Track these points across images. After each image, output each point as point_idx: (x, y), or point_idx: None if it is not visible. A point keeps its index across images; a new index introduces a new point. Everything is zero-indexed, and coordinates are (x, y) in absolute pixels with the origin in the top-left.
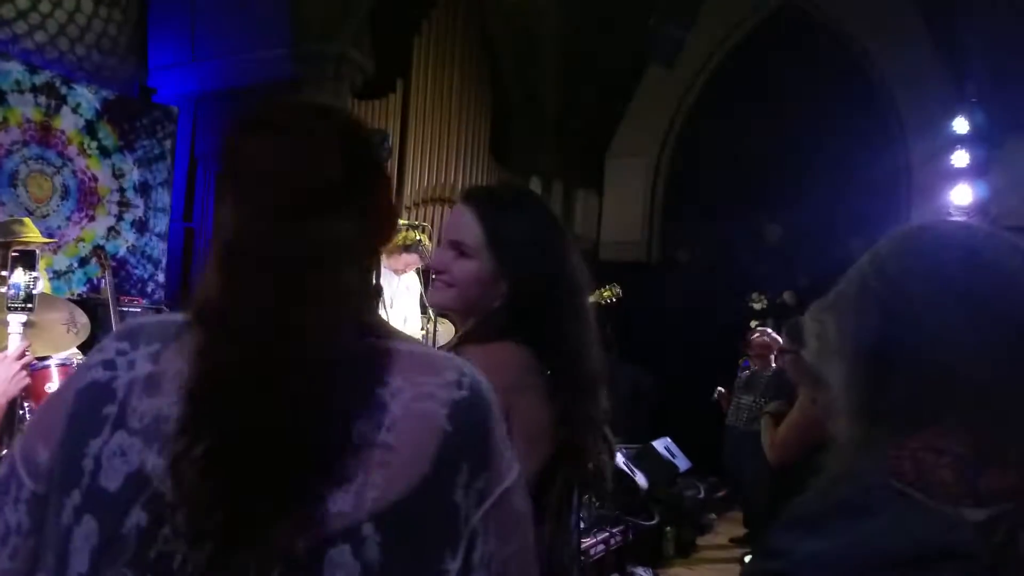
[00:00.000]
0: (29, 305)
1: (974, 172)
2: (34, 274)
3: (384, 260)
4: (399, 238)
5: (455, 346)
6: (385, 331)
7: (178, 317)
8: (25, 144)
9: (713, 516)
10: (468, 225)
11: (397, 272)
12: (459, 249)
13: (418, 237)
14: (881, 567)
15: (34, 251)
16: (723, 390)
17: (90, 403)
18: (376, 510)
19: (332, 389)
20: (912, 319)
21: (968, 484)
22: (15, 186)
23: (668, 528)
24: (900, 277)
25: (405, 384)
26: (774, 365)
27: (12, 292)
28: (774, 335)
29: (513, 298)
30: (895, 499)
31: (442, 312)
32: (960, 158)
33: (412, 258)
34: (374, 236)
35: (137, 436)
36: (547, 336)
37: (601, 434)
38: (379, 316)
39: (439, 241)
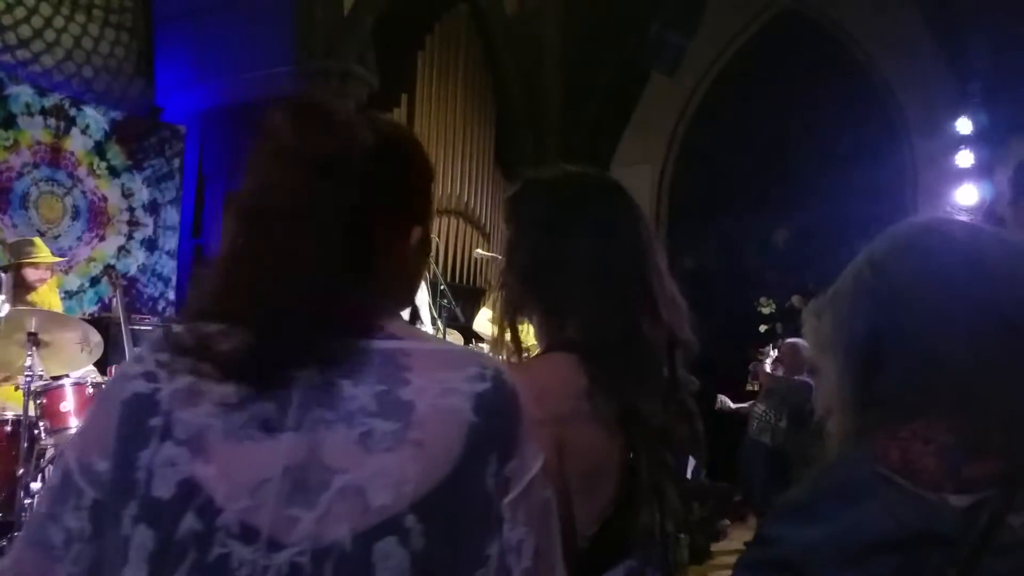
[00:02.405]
0: None
1: (979, 172)
2: (1, 296)
3: None
4: None
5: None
6: (403, 332)
7: (211, 327)
8: (35, 166)
9: (727, 522)
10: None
11: None
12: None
13: None
14: (868, 551)
15: None
16: (726, 399)
17: (136, 415)
18: (415, 501)
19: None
20: (903, 313)
21: (952, 471)
22: (26, 208)
23: (682, 535)
24: (893, 272)
25: (428, 382)
26: (805, 377)
27: None
28: (801, 344)
29: (519, 269)
30: (881, 486)
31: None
32: (964, 158)
33: None
34: (406, 246)
35: (184, 446)
36: (579, 327)
37: (672, 442)
38: (399, 317)
39: (449, 253)
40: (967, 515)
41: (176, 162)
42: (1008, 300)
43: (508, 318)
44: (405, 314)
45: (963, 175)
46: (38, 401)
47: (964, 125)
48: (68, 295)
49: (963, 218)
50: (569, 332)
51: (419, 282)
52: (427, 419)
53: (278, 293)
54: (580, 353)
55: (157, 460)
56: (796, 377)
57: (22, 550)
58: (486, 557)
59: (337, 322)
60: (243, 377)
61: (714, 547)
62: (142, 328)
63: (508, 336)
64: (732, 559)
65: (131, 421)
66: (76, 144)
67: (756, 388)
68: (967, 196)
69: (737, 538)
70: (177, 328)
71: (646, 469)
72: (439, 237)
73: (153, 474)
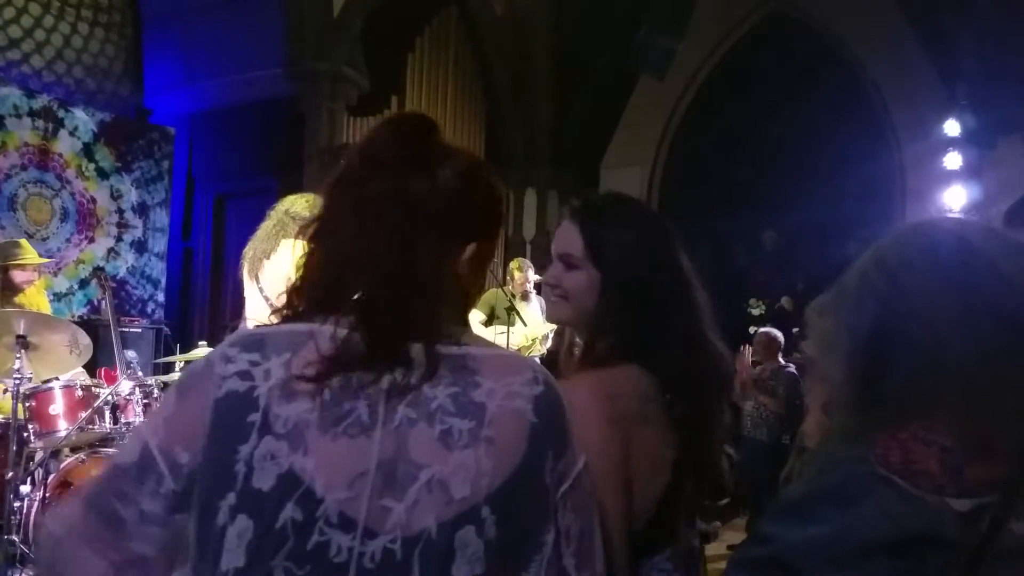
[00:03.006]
0: None
1: (967, 174)
2: None
3: None
4: None
5: (576, 371)
6: (466, 338)
7: (302, 327)
8: (23, 168)
9: (718, 524)
10: (572, 237)
11: None
12: (567, 262)
13: None
14: (864, 554)
15: None
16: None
17: (232, 412)
18: (489, 494)
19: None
20: (908, 312)
21: (953, 474)
22: (14, 210)
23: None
24: (899, 271)
25: (496, 385)
26: (781, 362)
27: None
28: (775, 332)
29: (617, 302)
30: (880, 486)
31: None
32: (952, 160)
33: None
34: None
35: (283, 440)
36: (658, 346)
37: (719, 450)
38: (460, 325)
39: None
40: (968, 519)
41: (165, 164)
42: (1018, 306)
43: (589, 341)
44: None
45: (951, 177)
46: (27, 404)
47: (952, 127)
48: (57, 297)
49: (972, 219)
50: (637, 345)
51: (477, 295)
52: (497, 419)
53: (362, 302)
54: (646, 364)
55: (257, 454)
56: (782, 368)
57: (85, 515)
58: (542, 543)
59: (415, 329)
60: (335, 377)
61: (706, 550)
62: (131, 330)
63: (580, 351)
64: (723, 564)
65: (227, 418)
66: (64, 146)
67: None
68: (955, 198)
69: (728, 540)
70: (267, 329)
71: (693, 465)
72: None
73: (253, 467)
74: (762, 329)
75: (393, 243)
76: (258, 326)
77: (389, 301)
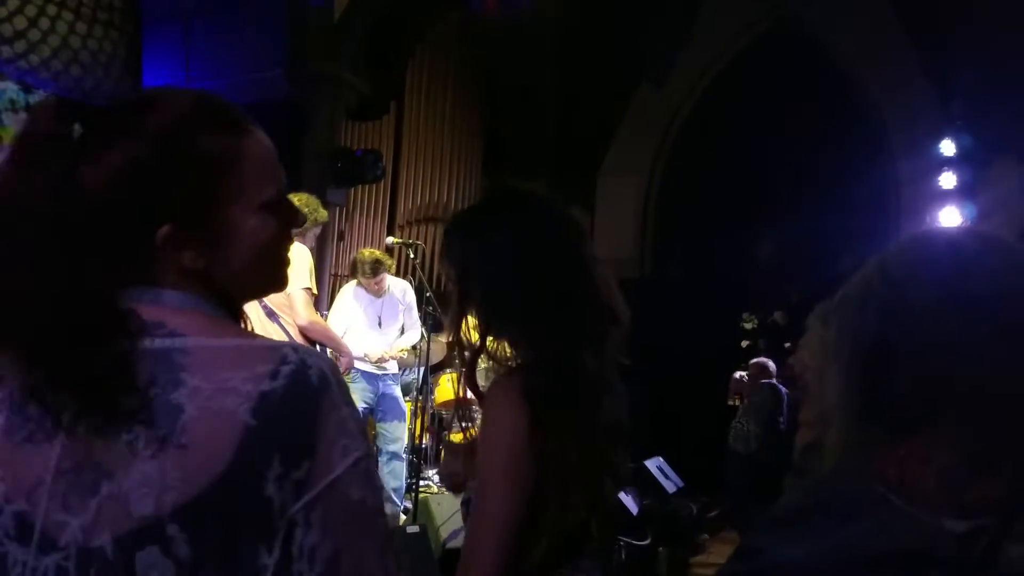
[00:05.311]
0: None
1: (961, 193)
2: None
3: (364, 284)
4: (364, 266)
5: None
6: (194, 328)
7: None
8: None
9: (706, 536)
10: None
11: (375, 293)
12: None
13: (372, 258)
14: (856, 571)
15: None
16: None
17: None
18: (177, 509)
19: (118, 397)
20: (911, 322)
21: (952, 494)
22: None
23: (661, 548)
24: (903, 280)
25: (204, 383)
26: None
27: None
28: (766, 361)
29: (481, 318)
30: (876, 503)
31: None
32: (947, 179)
33: (376, 278)
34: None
35: None
36: (531, 358)
37: (602, 468)
38: (196, 312)
39: (432, 260)
40: (964, 540)
41: None
42: (1017, 317)
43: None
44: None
45: (946, 195)
46: None
47: (947, 147)
48: None
49: (981, 229)
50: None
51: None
52: (195, 423)
53: (34, 302)
54: (519, 373)
55: None
56: (762, 381)
57: None
58: (262, 567)
59: (102, 325)
60: (19, 382)
61: (693, 560)
62: None
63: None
64: (711, 573)
65: None
66: None
67: (736, 403)
68: (950, 216)
69: (716, 552)
70: None
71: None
72: (425, 244)
73: None
74: (755, 360)
75: (63, 244)
76: None
77: (63, 301)
